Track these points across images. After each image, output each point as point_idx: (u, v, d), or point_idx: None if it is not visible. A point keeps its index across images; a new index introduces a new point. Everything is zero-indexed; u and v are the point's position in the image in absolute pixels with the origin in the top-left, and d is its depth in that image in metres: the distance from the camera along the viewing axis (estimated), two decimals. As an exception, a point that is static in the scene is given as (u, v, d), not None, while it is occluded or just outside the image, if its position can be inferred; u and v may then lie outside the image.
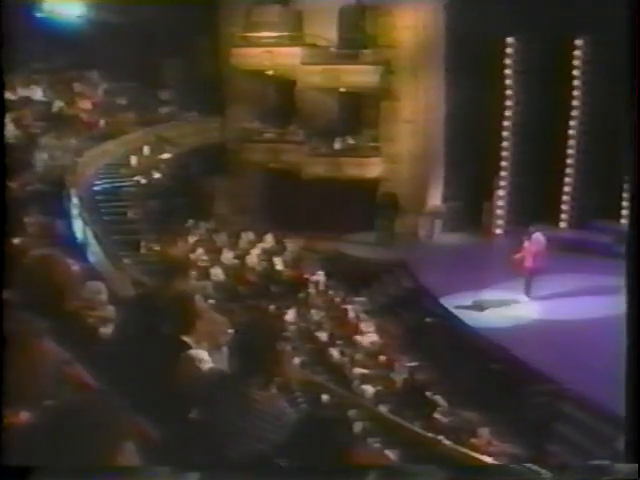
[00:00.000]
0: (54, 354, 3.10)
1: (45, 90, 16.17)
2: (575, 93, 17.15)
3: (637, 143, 4.23)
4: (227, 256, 14.17)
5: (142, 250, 13.60)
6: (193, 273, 12.96)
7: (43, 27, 14.60)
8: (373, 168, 17.75)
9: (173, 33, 16.48)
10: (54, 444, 2.01)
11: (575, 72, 17.08)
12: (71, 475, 2.18)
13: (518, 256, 13.41)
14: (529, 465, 4.78)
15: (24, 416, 2.41)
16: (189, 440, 3.13)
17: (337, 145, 17.88)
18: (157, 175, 15.91)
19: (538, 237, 13.59)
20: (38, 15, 14.96)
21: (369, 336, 12.01)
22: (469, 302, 13.21)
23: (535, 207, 16.40)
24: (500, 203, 17.74)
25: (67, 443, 1.98)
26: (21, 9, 12.83)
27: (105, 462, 1.93)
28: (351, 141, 17.95)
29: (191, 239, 14.55)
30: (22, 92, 15.39)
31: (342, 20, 18.00)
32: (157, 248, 13.71)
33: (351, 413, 8.91)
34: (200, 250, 14.00)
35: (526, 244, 13.44)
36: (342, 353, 11.23)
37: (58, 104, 16.04)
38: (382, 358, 11.41)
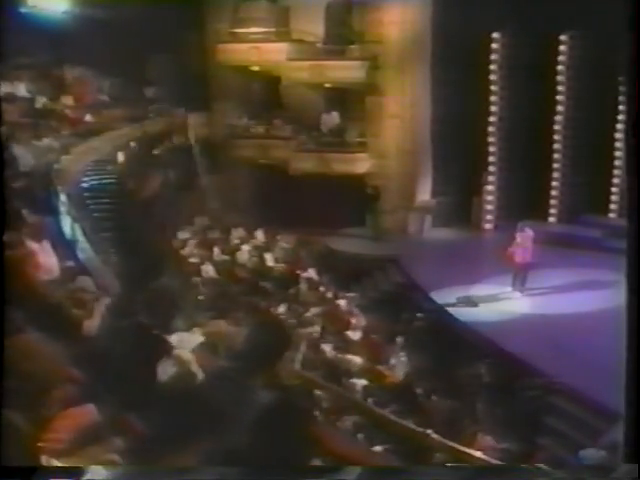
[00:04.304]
0: (48, 353, 3.05)
1: (29, 86, 16.00)
2: (561, 88, 17.25)
3: (636, 135, 4.22)
4: (218, 252, 14.12)
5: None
6: (184, 270, 12.90)
7: (28, 22, 14.42)
8: (361, 164, 17.75)
9: (160, 29, 16.36)
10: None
11: (561, 67, 17.17)
12: (72, 475, 2.14)
13: (509, 251, 13.47)
14: (530, 466, 4.80)
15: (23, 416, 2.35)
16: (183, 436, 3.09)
17: (324, 141, 17.85)
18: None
19: (527, 232, 13.65)
20: (23, 10, 14.79)
21: (360, 331, 12.00)
22: (460, 297, 13.26)
23: (524, 202, 16.48)
24: (489, 198, 17.81)
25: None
26: (5, 4, 12.66)
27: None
28: (338, 137, 17.93)
29: (181, 235, 14.48)
30: (5, 88, 15.19)
31: (329, 16, 17.98)
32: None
33: (343, 408, 8.89)
34: (191, 246, 13.94)
35: (517, 239, 13.52)
36: (333, 348, 11.20)
37: (42, 100, 15.87)
38: (373, 353, 11.40)
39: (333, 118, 18.04)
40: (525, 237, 13.57)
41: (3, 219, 4.55)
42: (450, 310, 12.88)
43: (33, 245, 7.63)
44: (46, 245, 8.02)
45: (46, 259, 7.67)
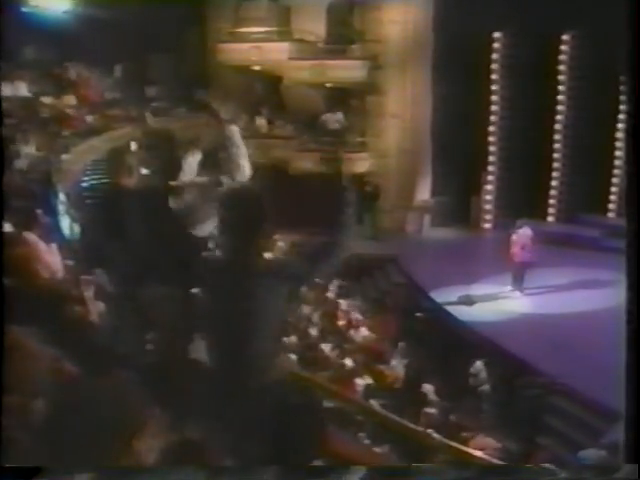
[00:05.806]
0: (46, 352, 3.06)
1: (30, 85, 15.99)
2: (561, 88, 17.27)
3: (636, 135, 4.24)
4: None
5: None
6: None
7: (29, 21, 14.44)
8: (361, 163, 17.75)
9: (161, 28, 16.37)
10: (56, 443, 1.94)
11: (562, 67, 17.19)
12: (74, 475, 2.13)
13: (510, 251, 13.49)
14: (532, 465, 4.79)
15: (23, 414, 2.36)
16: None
17: (325, 140, 17.86)
18: (145, 172, 15.75)
19: (526, 231, 13.67)
20: (24, 9, 14.79)
21: (360, 331, 12.00)
22: (459, 296, 13.27)
23: (522, 201, 16.50)
24: (488, 197, 17.83)
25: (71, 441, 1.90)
26: (6, 3, 12.67)
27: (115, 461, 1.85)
28: (339, 137, 17.92)
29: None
30: (7, 87, 15.18)
31: (330, 15, 17.99)
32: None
33: (344, 409, 8.88)
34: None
35: (514, 238, 13.54)
36: (333, 348, 11.20)
37: (43, 99, 15.86)
38: (373, 353, 11.41)
39: (337, 118, 18.02)
40: (524, 236, 13.58)
41: (2, 218, 4.55)
42: (450, 309, 12.89)
43: (41, 246, 7.60)
44: (54, 247, 8.00)
45: (53, 260, 7.64)
